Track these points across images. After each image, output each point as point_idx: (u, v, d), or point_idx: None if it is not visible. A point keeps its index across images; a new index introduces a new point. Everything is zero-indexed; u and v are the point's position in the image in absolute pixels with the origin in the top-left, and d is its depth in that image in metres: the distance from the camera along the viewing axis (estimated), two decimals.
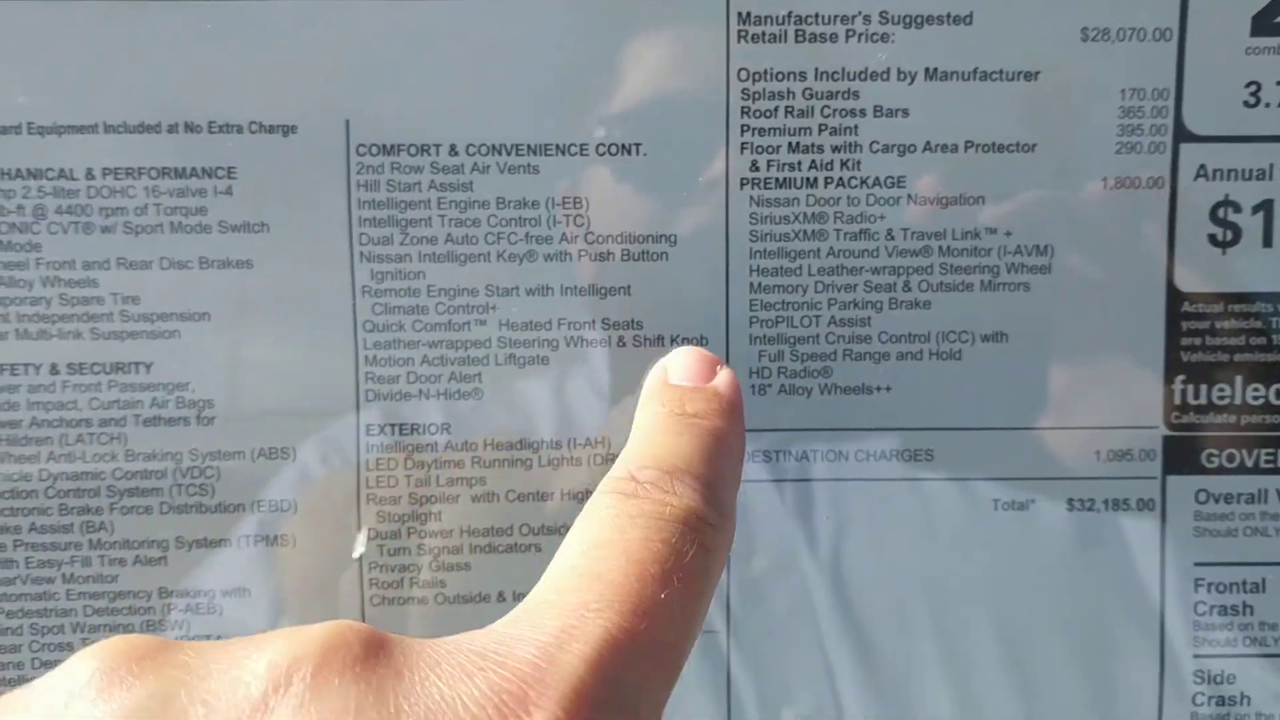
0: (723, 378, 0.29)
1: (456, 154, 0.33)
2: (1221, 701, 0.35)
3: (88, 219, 0.32)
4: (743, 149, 0.33)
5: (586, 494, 0.31)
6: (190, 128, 0.33)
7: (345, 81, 0.33)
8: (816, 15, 0.33)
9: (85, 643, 0.32)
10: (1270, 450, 0.34)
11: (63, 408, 0.33)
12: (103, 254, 0.32)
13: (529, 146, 0.33)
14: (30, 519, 0.33)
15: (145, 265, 0.33)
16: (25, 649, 0.33)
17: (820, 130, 0.33)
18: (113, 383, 0.33)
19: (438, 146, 0.33)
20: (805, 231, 0.34)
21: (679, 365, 0.29)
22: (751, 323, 0.34)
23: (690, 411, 0.27)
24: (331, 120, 0.33)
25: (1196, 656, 0.35)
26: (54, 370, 0.33)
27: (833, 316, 0.34)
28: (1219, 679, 0.35)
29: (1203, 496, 0.35)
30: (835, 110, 0.33)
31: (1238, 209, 0.34)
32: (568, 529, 0.31)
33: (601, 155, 0.33)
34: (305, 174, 0.33)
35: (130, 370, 0.33)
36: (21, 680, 0.30)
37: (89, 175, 0.32)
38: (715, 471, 0.25)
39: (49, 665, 0.31)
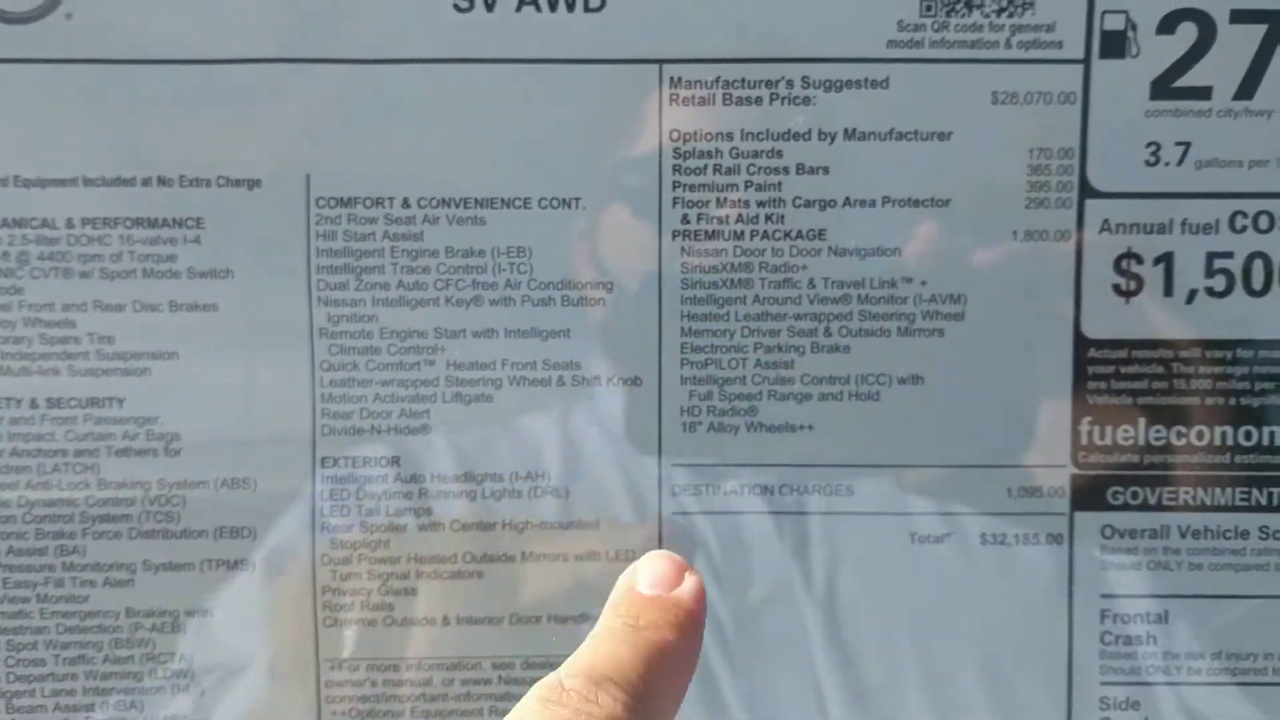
0: (688, 585, 0.31)
1: (409, 206, 0.38)
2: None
3: (67, 265, 0.37)
4: (674, 203, 0.38)
5: (526, 524, 0.36)
6: (162, 181, 0.37)
7: (306, 139, 0.37)
8: (742, 80, 0.37)
9: (58, 659, 0.37)
10: (1172, 489, 0.39)
11: (40, 439, 0.37)
12: (80, 297, 0.37)
13: (476, 200, 0.38)
14: (8, 543, 0.37)
15: (119, 308, 0.37)
16: (1, 664, 0.38)
17: (746, 186, 0.38)
18: (87, 416, 0.38)
19: (391, 199, 0.38)
20: (732, 280, 0.38)
21: (646, 571, 0.32)
22: (682, 364, 0.38)
23: (642, 623, 0.29)
24: (293, 175, 0.38)
25: (1103, 684, 0.39)
26: (33, 404, 0.37)
27: (758, 359, 0.38)
28: (1124, 705, 0.39)
29: (1108, 532, 0.39)
30: (760, 168, 0.38)
31: (1140, 260, 0.38)
32: (508, 557, 0.36)
33: (544, 208, 0.38)
34: (268, 224, 0.38)
35: (104, 405, 0.38)
36: None
37: (69, 224, 0.37)
38: (649, 682, 0.27)
39: (23, 679, 0.36)
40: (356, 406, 0.38)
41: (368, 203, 0.37)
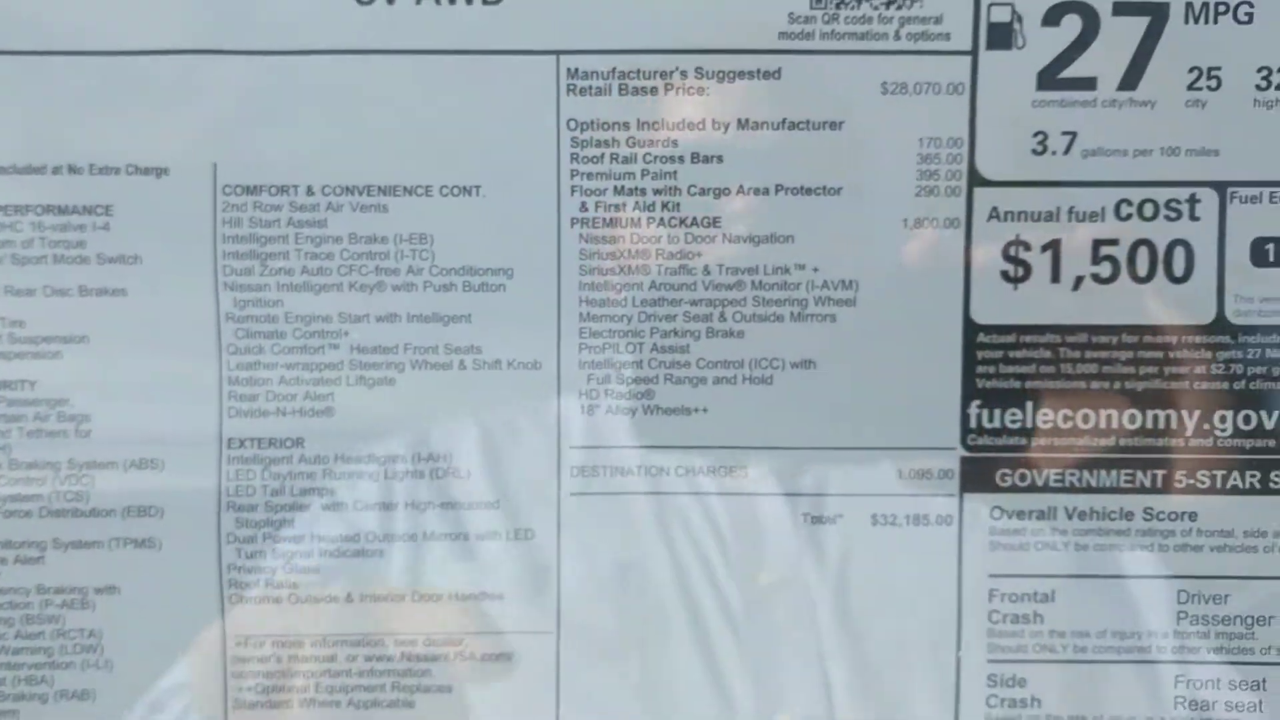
0: None
1: (313, 194, 0.39)
2: (1014, 704, 0.41)
3: None
4: (573, 191, 0.39)
5: (428, 504, 0.37)
6: (72, 170, 0.39)
7: (213, 129, 0.39)
8: (637, 70, 0.39)
9: None
10: (1059, 470, 0.40)
11: None
12: None
13: (378, 188, 0.39)
14: None
15: (30, 293, 0.39)
16: None
17: (642, 175, 0.39)
18: (2, 400, 0.39)
19: (296, 187, 0.39)
20: (630, 266, 0.39)
21: None
22: (580, 349, 0.40)
23: None
24: (200, 163, 0.39)
25: (990, 662, 0.40)
26: None
27: (654, 344, 0.40)
28: (1011, 683, 0.40)
29: (997, 513, 0.40)
30: (656, 157, 0.39)
31: (1028, 247, 0.40)
32: (410, 536, 0.38)
33: (445, 196, 0.39)
34: (176, 212, 0.39)
35: (15, 387, 0.39)
36: None
37: None
38: None
39: None
40: (262, 389, 0.39)
41: (273, 190, 0.39)
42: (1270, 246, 0.39)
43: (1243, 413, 0.40)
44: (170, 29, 0.39)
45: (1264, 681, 0.40)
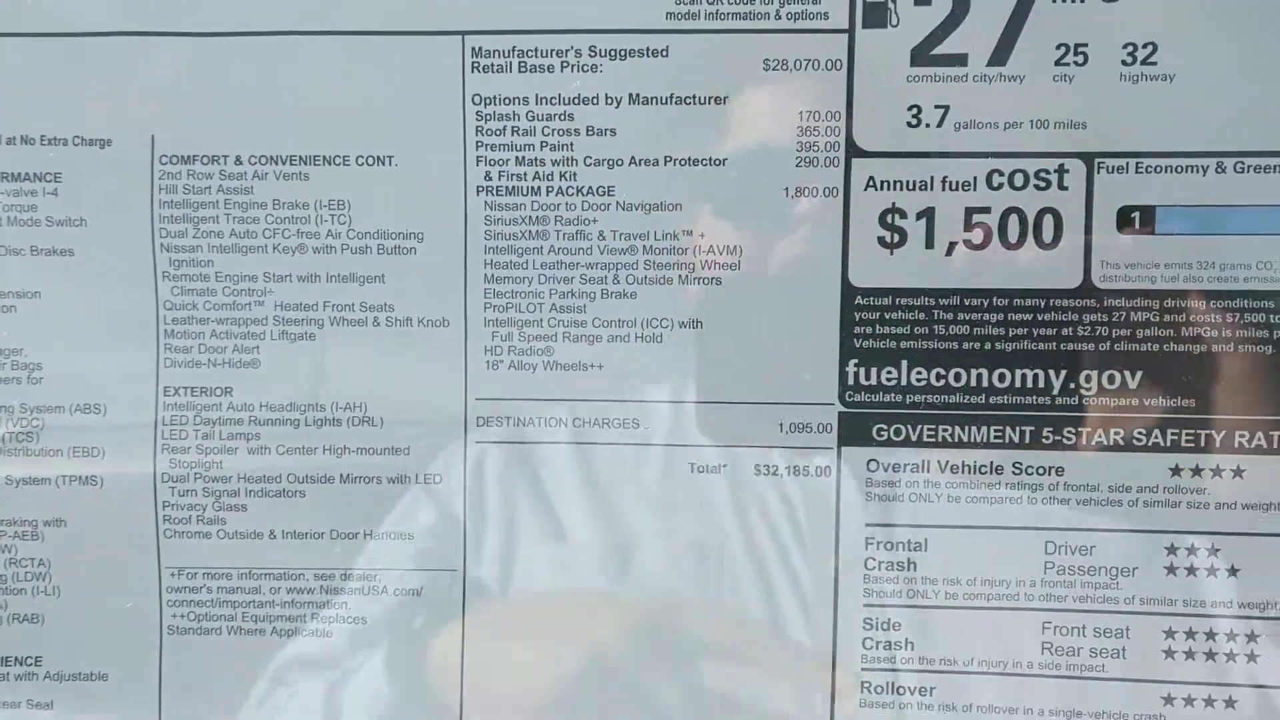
0: None
1: (240, 163, 0.43)
2: (888, 646, 0.43)
3: None
4: (478, 161, 0.43)
5: (344, 449, 0.41)
6: (25, 140, 0.43)
7: (151, 104, 0.43)
8: (536, 49, 0.42)
9: None
10: (932, 426, 0.43)
11: None
12: None
13: (300, 157, 0.43)
14: None
15: None
16: None
17: (542, 146, 0.43)
18: None
19: (225, 157, 0.43)
20: (531, 232, 0.43)
21: None
22: (485, 308, 0.43)
23: None
24: (140, 135, 0.43)
25: (866, 605, 0.43)
26: None
27: (554, 304, 0.43)
28: (886, 626, 0.43)
29: (873, 465, 0.43)
30: (554, 130, 0.43)
31: (903, 215, 0.42)
32: (328, 478, 0.41)
33: (361, 165, 0.43)
34: (118, 179, 0.43)
35: None
36: None
37: None
38: None
39: None
40: (195, 342, 0.43)
41: (205, 160, 0.43)
42: (1135, 215, 0.42)
43: (1107, 373, 0.42)
44: (113, 13, 0.43)
45: (1127, 629, 0.43)
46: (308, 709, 0.44)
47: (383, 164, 0.43)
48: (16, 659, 0.44)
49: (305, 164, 0.43)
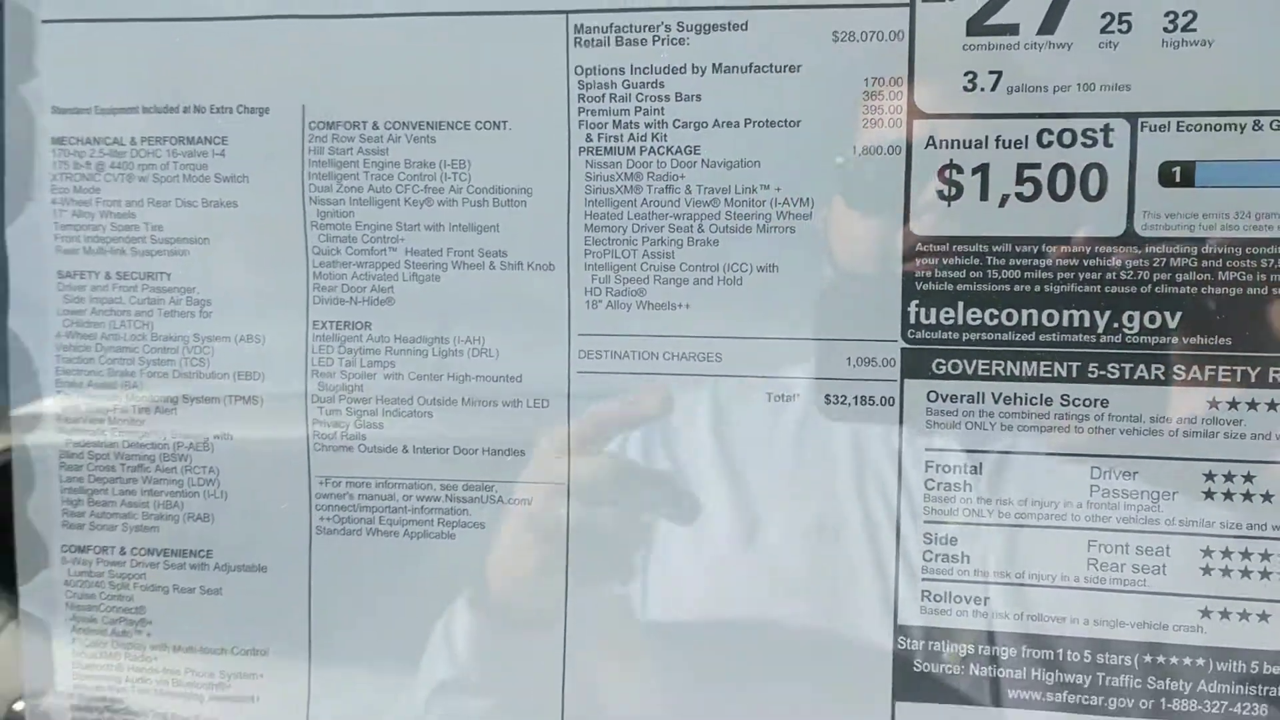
0: None
1: (377, 128, 0.50)
2: (946, 559, 0.49)
3: (129, 171, 0.51)
4: (580, 125, 0.49)
5: (465, 376, 0.48)
6: (196, 109, 0.51)
7: (303, 78, 0.51)
8: (630, 25, 0.48)
9: (124, 467, 0.51)
10: (986, 361, 0.48)
11: (112, 302, 0.52)
12: (138, 195, 0.52)
13: (427, 123, 0.50)
14: (87, 377, 0.52)
15: (167, 204, 0.51)
16: (87, 476, 0.53)
17: (636, 111, 0.49)
18: (145, 285, 0.52)
19: (365, 123, 0.50)
20: (626, 187, 0.49)
21: None
22: (586, 254, 0.50)
23: None
24: (293, 104, 0.51)
25: (926, 523, 0.49)
26: (107, 275, 0.52)
27: (646, 250, 0.49)
28: (945, 541, 0.49)
29: (933, 396, 0.48)
30: (647, 96, 0.49)
31: (960, 170, 0.47)
32: (452, 401, 0.48)
33: (479, 129, 0.50)
34: (274, 142, 0.51)
35: (157, 278, 0.52)
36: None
37: (131, 141, 0.51)
38: None
39: (100, 481, 0.50)
40: (339, 282, 0.51)
41: (347, 125, 0.50)
42: (1176, 169, 0.46)
43: (1148, 313, 0.46)
44: (272, 0, 0.50)
45: (1167, 548, 0.47)
46: (430, 599, 0.51)
47: (498, 128, 0.49)
48: (191, 551, 0.53)
49: (431, 129, 0.50)
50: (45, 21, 0.52)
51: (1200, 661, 0.47)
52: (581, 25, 0.48)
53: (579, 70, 0.49)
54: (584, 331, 0.50)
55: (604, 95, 0.49)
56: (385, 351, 0.51)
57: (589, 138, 0.49)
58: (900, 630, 0.49)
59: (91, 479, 0.53)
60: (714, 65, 0.48)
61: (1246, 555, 0.46)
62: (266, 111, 0.51)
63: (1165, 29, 0.45)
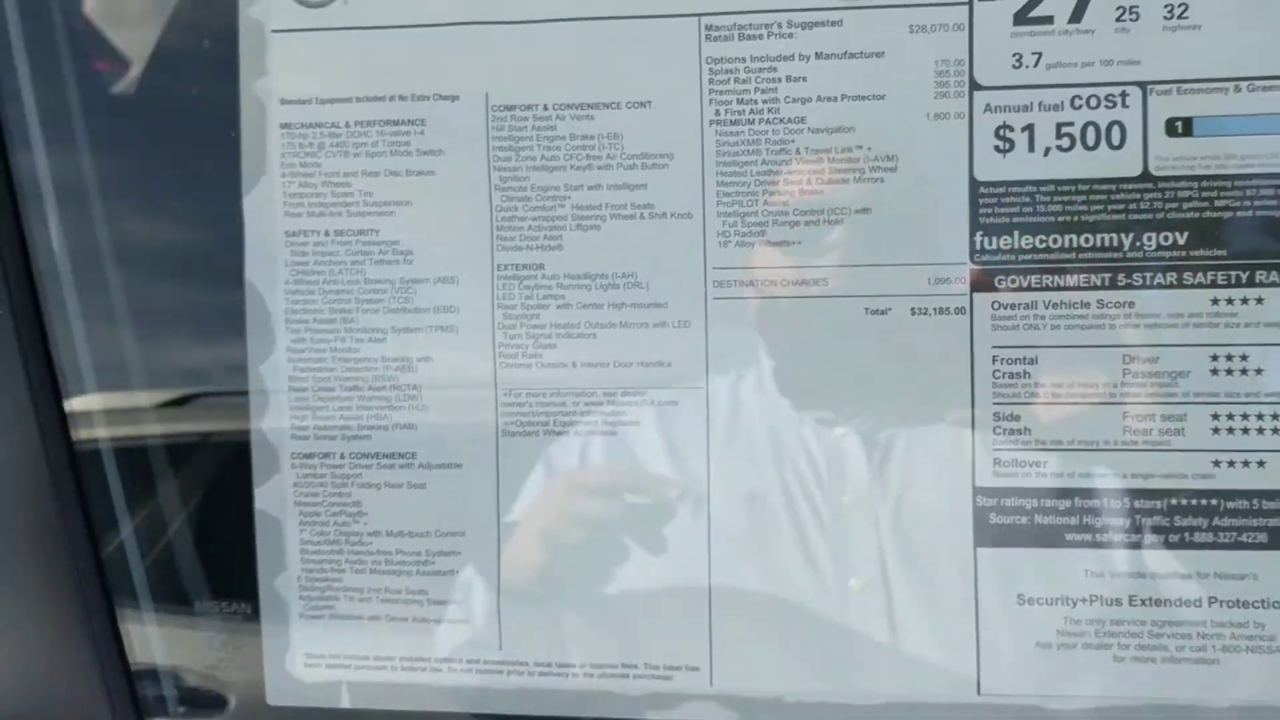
0: None
1: (547, 109, 0.64)
2: (1011, 432, 0.62)
3: (345, 149, 0.65)
4: (710, 102, 0.63)
5: (622, 304, 0.61)
6: (401, 98, 0.65)
7: (486, 70, 0.64)
8: (750, 24, 0.63)
9: (342, 386, 0.64)
10: (1037, 276, 0.62)
11: (330, 255, 0.65)
12: (354, 168, 0.65)
13: (587, 104, 0.64)
14: (313, 313, 0.65)
15: (376, 174, 0.65)
16: (311, 393, 0.66)
17: (755, 90, 0.63)
18: (357, 241, 0.65)
19: (536, 105, 0.64)
20: (748, 150, 0.63)
21: None
22: (718, 204, 0.64)
23: None
24: (478, 92, 0.65)
25: (995, 404, 0.63)
26: (326, 234, 0.65)
27: (764, 200, 0.63)
28: (1009, 418, 0.62)
29: (996, 305, 0.62)
30: (763, 79, 0.63)
31: (1011, 129, 0.62)
32: (611, 325, 0.62)
33: (629, 109, 0.64)
34: (464, 122, 0.65)
35: (368, 234, 0.65)
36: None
37: (346, 125, 0.65)
38: None
39: (321, 395, 0.63)
40: (517, 233, 0.64)
41: (522, 108, 0.64)
42: (1179, 123, 0.60)
43: (1162, 234, 0.61)
44: (463, 10, 0.64)
45: (1185, 415, 0.61)
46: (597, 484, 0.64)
47: (644, 107, 0.63)
48: (399, 454, 0.66)
49: (591, 109, 0.64)
50: (274, 31, 0.65)
51: (1214, 502, 0.60)
52: (711, 25, 0.63)
53: (709, 60, 0.63)
54: (717, 265, 0.64)
55: (729, 79, 0.63)
56: (556, 286, 0.64)
57: (718, 113, 0.63)
58: (978, 490, 0.62)
59: (315, 398, 0.66)
60: (815, 53, 0.62)
61: (1245, 417, 0.60)
62: (457, 98, 0.64)
63: (1165, 16, 0.60)
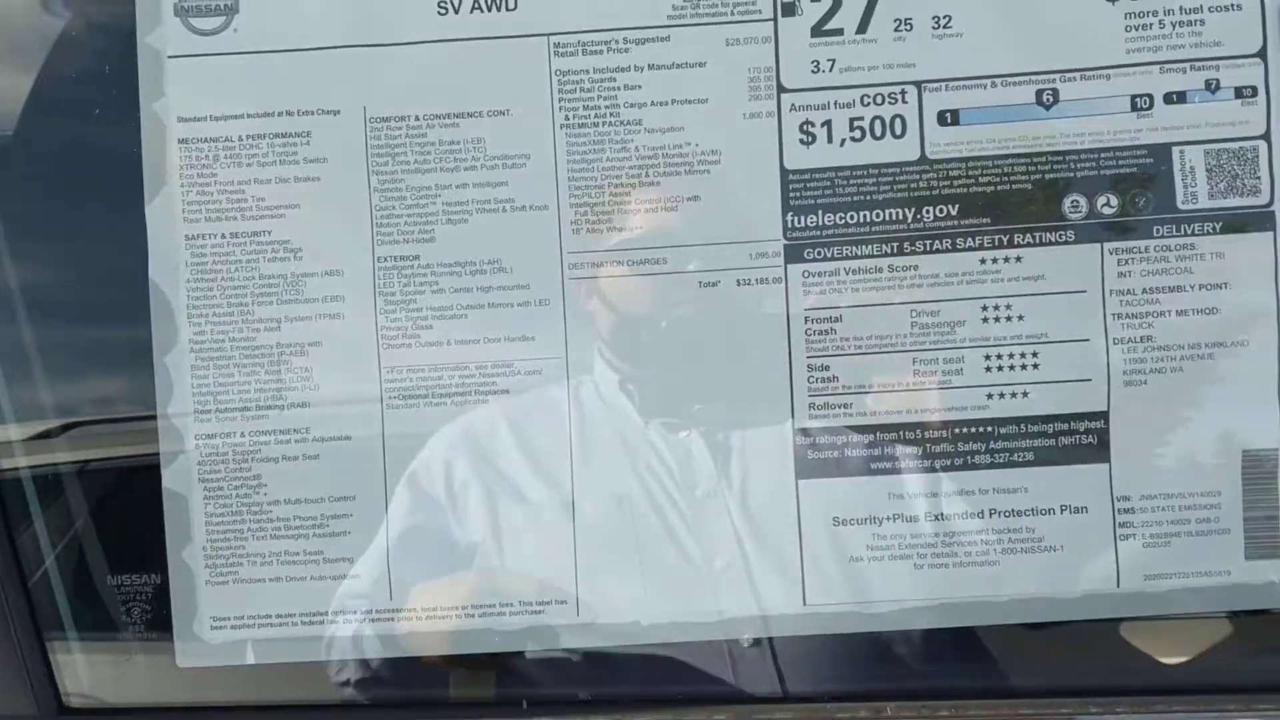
0: None
1: (418, 119, 0.74)
2: (823, 380, 0.74)
3: (238, 159, 0.74)
4: (560, 109, 0.74)
5: (488, 288, 0.72)
6: (288, 113, 0.74)
7: (363, 87, 0.74)
8: (591, 41, 0.74)
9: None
10: (838, 248, 0.74)
11: (228, 255, 0.74)
12: (247, 176, 0.74)
13: (452, 114, 0.74)
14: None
15: (267, 181, 0.74)
16: None
17: (598, 98, 0.74)
18: (252, 241, 0.74)
19: (409, 116, 0.74)
20: (593, 149, 0.74)
21: None
22: (570, 197, 0.74)
23: None
24: (357, 106, 0.74)
25: (809, 357, 0.74)
26: (223, 236, 0.74)
27: (610, 191, 0.74)
28: (821, 368, 0.74)
29: (806, 275, 0.74)
30: (604, 88, 0.74)
31: (813, 124, 0.74)
32: (481, 305, 0.72)
33: (489, 116, 0.74)
34: (344, 132, 0.74)
35: (261, 235, 0.74)
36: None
37: (240, 138, 0.74)
38: None
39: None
40: (394, 229, 0.74)
41: (396, 118, 0.74)
42: (948, 115, 0.73)
43: (939, 207, 0.73)
44: (342, 34, 0.74)
45: (964, 357, 0.73)
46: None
47: (503, 114, 0.74)
48: (294, 429, 0.74)
49: (456, 118, 0.74)
50: (171, 56, 0.74)
51: (989, 429, 0.73)
52: (559, 43, 0.74)
53: (558, 73, 0.74)
54: (571, 250, 0.74)
55: (575, 88, 0.74)
56: (430, 274, 0.74)
57: (567, 118, 0.74)
58: (797, 431, 0.74)
59: (216, 383, 0.74)
60: (648, 65, 0.74)
61: (1011, 356, 0.73)
62: (338, 112, 0.74)
63: (933, 27, 0.73)
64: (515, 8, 0.73)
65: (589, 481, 0.74)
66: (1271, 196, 0.72)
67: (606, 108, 0.74)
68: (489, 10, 0.73)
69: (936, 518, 0.74)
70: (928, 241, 0.73)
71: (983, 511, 0.73)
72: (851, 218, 0.74)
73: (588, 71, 0.74)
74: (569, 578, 0.74)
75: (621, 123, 0.74)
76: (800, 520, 0.74)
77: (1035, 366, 0.73)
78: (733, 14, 0.73)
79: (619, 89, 0.74)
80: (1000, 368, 0.73)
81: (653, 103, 0.74)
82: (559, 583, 0.74)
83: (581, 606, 0.74)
